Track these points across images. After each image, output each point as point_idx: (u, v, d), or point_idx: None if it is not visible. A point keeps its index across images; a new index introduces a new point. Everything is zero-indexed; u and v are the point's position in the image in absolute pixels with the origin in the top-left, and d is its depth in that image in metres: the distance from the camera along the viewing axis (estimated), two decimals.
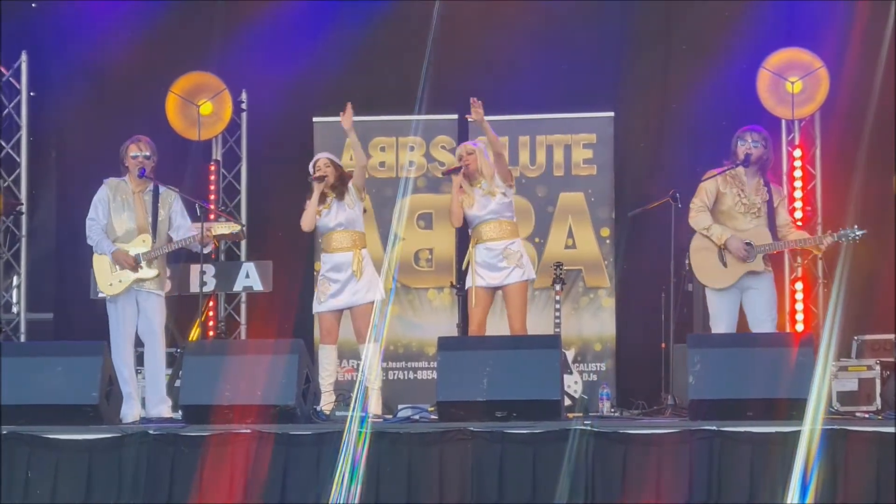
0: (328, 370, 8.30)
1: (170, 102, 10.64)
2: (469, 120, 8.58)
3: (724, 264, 8.14)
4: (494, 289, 8.42)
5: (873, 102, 9.62)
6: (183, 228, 8.39)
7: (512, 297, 8.37)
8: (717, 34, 10.21)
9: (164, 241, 8.35)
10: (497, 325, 8.85)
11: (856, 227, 8.08)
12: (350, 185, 8.44)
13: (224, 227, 8.48)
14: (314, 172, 8.46)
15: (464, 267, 8.53)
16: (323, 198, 8.43)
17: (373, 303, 8.35)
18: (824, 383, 6.64)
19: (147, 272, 8.25)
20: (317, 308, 8.42)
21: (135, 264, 8.23)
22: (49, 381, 7.08)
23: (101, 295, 8.55)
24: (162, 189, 8.40)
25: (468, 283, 8.48)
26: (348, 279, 8.33)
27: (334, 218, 8.40)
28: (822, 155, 10.25)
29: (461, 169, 8.44)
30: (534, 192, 10.44)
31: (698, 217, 8.24)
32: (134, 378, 8.29)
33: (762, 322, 8.08)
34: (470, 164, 8.44)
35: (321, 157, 8.54)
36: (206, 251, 8.58)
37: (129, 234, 8.32)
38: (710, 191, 8.23)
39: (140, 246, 8.29)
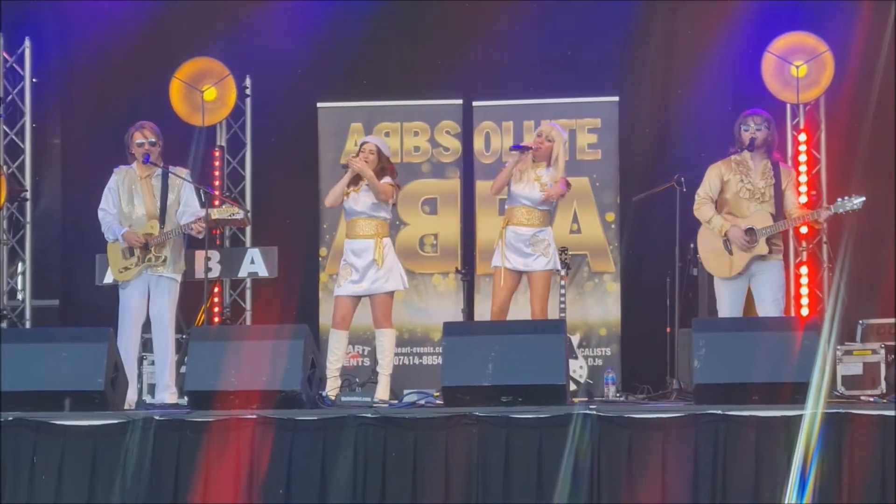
0: (336, 355, 8.23)
1: (174, 88, 10.62)
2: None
3: (730, 252, 8.13)
4: (520, 273, 8.36)
5: (877, 86, 9.60)
6: (188, 213, 8.40)
7: (536, 283, 8.30)
8: (723, 18, 10.17)
9: (175, 224, 8.36)
10: (516, 310, 8.67)
11: (853, 196, 8.01)
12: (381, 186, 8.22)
13: (223, 212, 8.44)
14: (357, 154, 8.31)
15: (495, 245, 8.44)
16: (356, 180, 8.31)
17: (392, 292, 8.28)
18: (827, 367, 6.63)
19: (154, 256, 8.27)
20: (337, 291, 8.32)
21: (145, 242, 8.24)
22: (55, 367, 7.08)
23: (107, 281, 8.55)
24: (171, 171, 8.41)
25: (495, 263, 8.38)
26: (368, 266, 8.21)
27: (361, 203, 8.27)
28: (826, 139, 10.23)
29: (530, 150, 8.34)
30: None
31: (701, 209, 8.23)
32: (134, 363, 8.33)
33: (768, 307, 8.07)
34: (542, 148, 8.34)
35: (369, 142, 8.36)
36: (199, 237, 8.51)
37: (139, 221, 8.36)
38: (714, 179, 8.22)
39: (149, 231, 8.32)
